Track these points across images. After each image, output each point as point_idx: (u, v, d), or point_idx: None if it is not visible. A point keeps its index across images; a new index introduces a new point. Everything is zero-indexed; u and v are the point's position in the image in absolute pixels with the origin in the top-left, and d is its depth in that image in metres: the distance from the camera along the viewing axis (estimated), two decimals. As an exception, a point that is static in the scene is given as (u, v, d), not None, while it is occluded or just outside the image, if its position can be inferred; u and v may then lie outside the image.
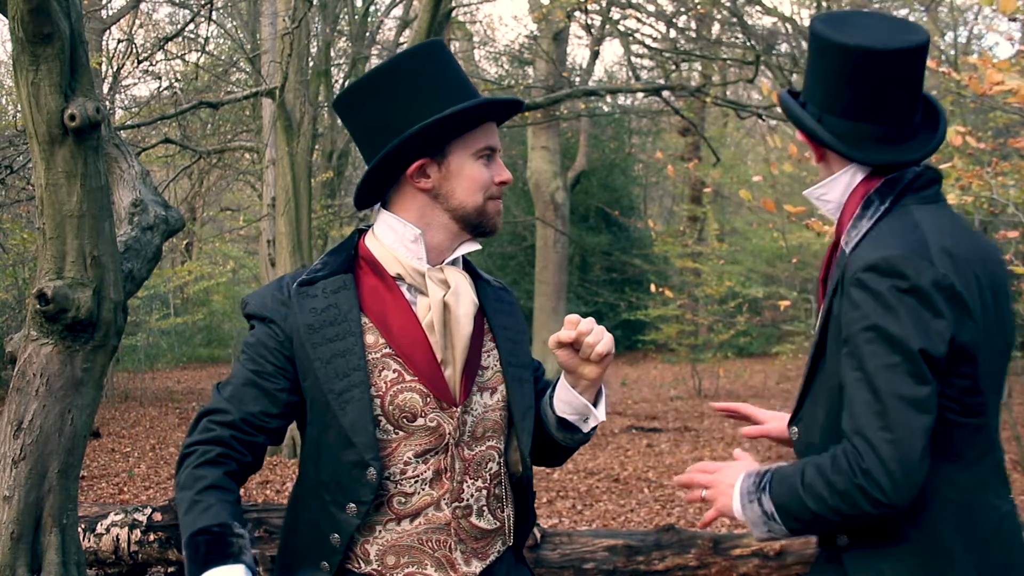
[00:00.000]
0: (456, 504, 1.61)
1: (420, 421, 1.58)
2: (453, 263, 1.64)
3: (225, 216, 18.75)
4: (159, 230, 3.99)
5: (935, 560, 1.47)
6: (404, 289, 1.61)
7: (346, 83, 17.60)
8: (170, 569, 4.55)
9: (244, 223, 15.64)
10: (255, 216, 13.28)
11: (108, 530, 4.50)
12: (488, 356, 1.69)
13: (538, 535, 4.28)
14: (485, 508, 1.64)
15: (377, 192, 1.67)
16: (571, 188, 18.19)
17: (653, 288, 10.73)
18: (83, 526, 4.46)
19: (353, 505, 1.54)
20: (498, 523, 1.66)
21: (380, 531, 1.58)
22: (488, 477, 1.65)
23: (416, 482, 1.58)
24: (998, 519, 1.52)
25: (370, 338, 1.58)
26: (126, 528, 4.48)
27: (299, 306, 1.57)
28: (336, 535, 1.54)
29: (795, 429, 1.68)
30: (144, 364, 15.52)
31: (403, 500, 1.58)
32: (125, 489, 7.51)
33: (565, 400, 1.69)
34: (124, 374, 14.83)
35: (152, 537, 4.44)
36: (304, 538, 1.59)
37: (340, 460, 1.55)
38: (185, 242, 19.04)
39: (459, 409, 1.61)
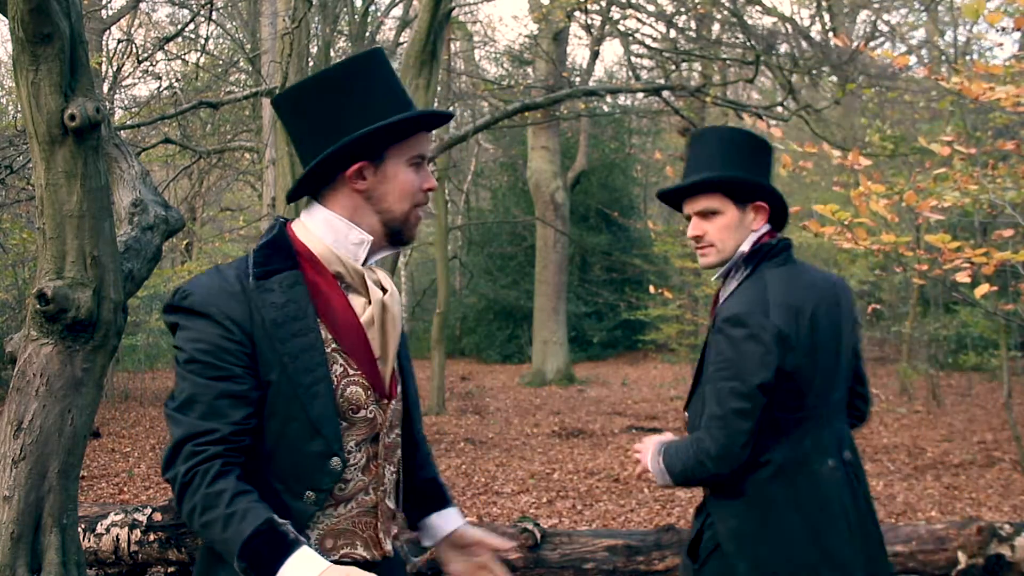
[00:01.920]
0: (380, 488, 1.70)
1: (362, 413, 1.64)
2: (377, 263, 1.73)
3: (225, 216, 18.75)
4: (159, 230, 3.99)
5: (760, 503, 2.19)
6: (342, 283, 1.66)
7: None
8: (170, 569, 4.55)
9: (244, 223, 15.63)
10: (255, 216, 13.28)
11: (108, 530, 4.50)
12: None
13: (538, 535, 4.28)
14: (393, 491, 1.77)
15: (310, 187, 1.69)
16: (571, 188, 18.19)
17: (653, 288, 10.73)
18: (83, 526, 4.47)
19: (312, 493, 1.58)
20: (396, 503, 1.79)
21: (320, 517, 1.62)
22: (396, 462, 1.77)
23: (353, 469, 1.64)
24: (816, 478, 2.18)
25: (322, 334, 1.61)
26: (126, 528, 4.49)
27: (260, 300, 1.56)
28: (291, 522, 1.51)
29: (687, 414, 2.39)
30: (144, 364, 15.52)
31: (343, 487, 1.64)
32: (125, 489, 7.51)
33: (437, 527, 1.90)
34: (124, 374, 14.83)
35: (152, 537, 4.44)
36: None
37: (303, 451, 1.57)
38: (185, 242, 19.04)
39: (391, 401, 1.71)
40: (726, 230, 2.24)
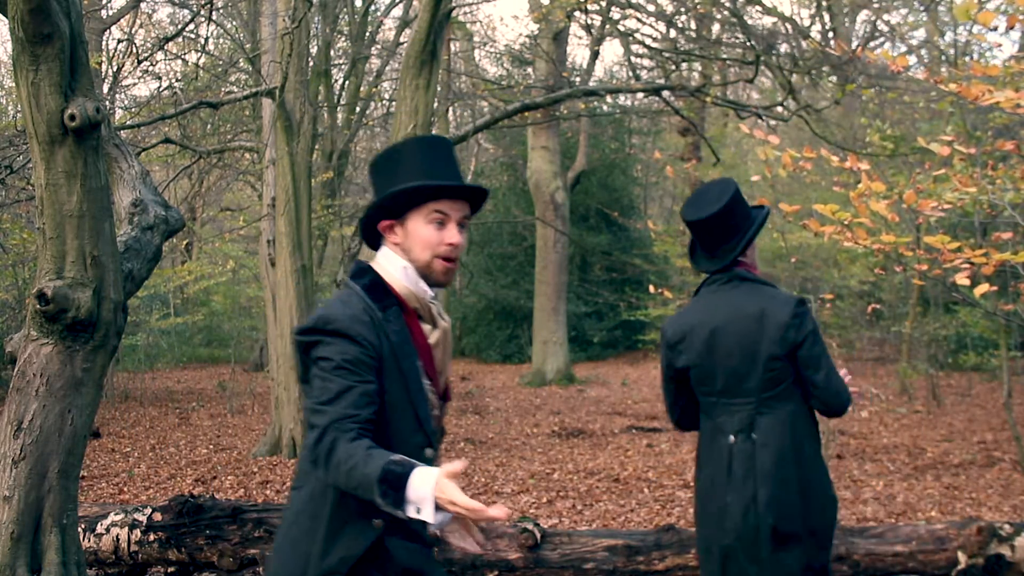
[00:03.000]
0: (439, 464, 2.03)
1: (434, 412, 2.15)
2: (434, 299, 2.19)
3: (225, 216, 18.74)
4: (159, 230, 3.99)
5: (697, 460, 3.03)
6: (423, 319, 2.14)
7: (346, 83, 17.60)
8: (170, 569, 4.55)
9: (244, 223, 15.63)
10: (255, 216, 13.27)
11: (108, 530, 4.50)
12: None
13: (538, 535, 4.28)
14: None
15: (373, 238, 2.19)
16: (571, 188, 18.18)
17: (653, 288, 10.72)
18: (83, 526, 4.47)
19: None
20: None
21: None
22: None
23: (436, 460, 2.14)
24: (719, 447, 2.89)
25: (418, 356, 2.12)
26: (126, 528, 4.49)
27: (386, 329, 2.04)
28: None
29: None
30: (144, 364, 15.52)
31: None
32: (125, 489, 7.51)
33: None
34: (124, 374, 14.83)
35: (152, 537, 4.44)
36: (360, 501, 1.93)
37: (409, 442, 2.03)
38: (185, 242, 19.05)
39: (446, 403, 2.23)
40: None
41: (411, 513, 1.78)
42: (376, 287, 2.09)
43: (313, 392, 1.96)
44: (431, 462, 2.02)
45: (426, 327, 2.13)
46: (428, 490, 1.75)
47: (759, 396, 2.85)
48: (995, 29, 3.32)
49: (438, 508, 1.76)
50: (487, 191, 2.16)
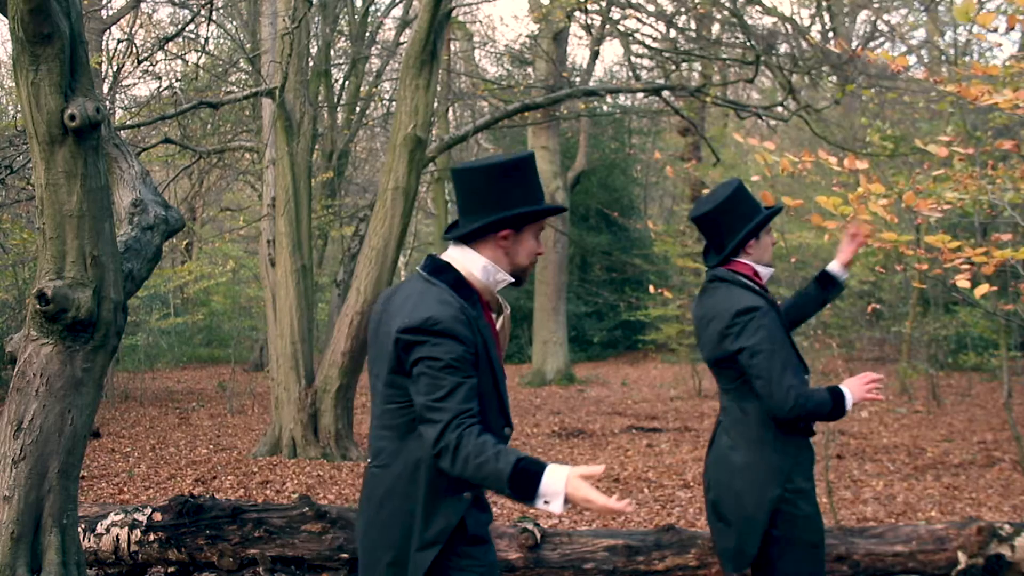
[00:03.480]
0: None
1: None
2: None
3: (225, 216, 18.74)
4: (159, 230, 3.99)
5: None
6: (493, 310, 2.42)
7: (346, 83, 17.61)
8: (170, 569, 4.55)
9: (244, 223, 15.63)
10: (255, 216, 13.27)
11: (108, 530, 4.50)
12: None
13: (538, 535, 4.28)
14: None
15: (469, 236, 2.37)
16: (571, 188, 18.18)
17: (653, 288, 10.72)
18: (83, 526, 4.47)
19: None
20: None
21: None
22: None
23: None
24: (717, 424, 3.15)
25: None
26: (126, 528, 4.49)
27: (478, 327, 2.27)
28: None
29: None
30: (144, 364, 15.52)
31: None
32: (125, 489, 7.51)
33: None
34: (124, 374, 14.83)
35: (152, 537, 4.44)
36: (450, 478, 2.21)
37: (493, 424, 2.29)
38: (185, 242, 19.05)
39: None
40: None
41: (539, 505, 2.05)
42: (459, 284, 2.31)
43: (422, 388, 2.17)
44: (508, 438, 2.35)
45: (492, 315, 2.41)
46: (560, 487, 2.02)
47: (724, 388, 3.10)
48: (995, 30, 3.32)
49: (566, 501, 2.03)
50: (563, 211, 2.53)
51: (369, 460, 2.38)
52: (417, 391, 2.18)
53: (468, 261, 2.35)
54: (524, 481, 2.05)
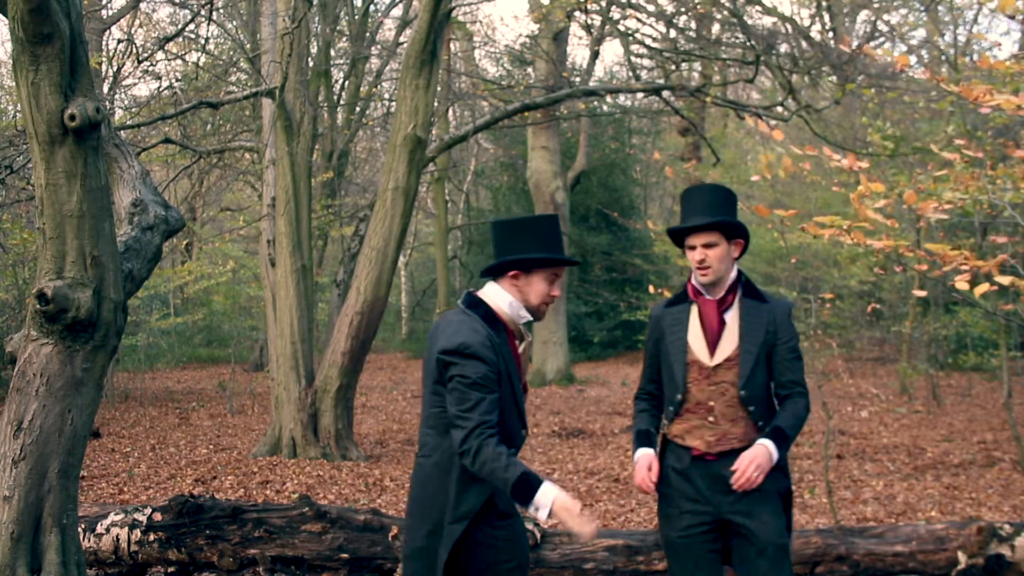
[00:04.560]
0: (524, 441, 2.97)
1: (523, 404, 2.91)
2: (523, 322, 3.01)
3: (225, 216, 18.74)
4: (159, 230, 3.99)
5: None
6: (516, 336, 2.93)
7: (346, 83, 17.61)
8: (170, 569, 4.55)
9: (244, 223, 15.63)
10: (255, 216, 13.28)
11: (108, 530, 4.50)
12: None
13: (538, 535, 4.28)
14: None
15: (496, 272, 2.93)
16: (571, 188, 18.17)
17: (653, 288, 10.71)
18: (83, 526, 4.47)
19: (513, 449, 2.82)
20: None
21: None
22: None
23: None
24: None
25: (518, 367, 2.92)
26: (126, 528, 4.49)
27: (501, 351, 2.80)
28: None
29: (743, 392, 3.06)
30: (144, 364, 15.51)
31: (520, 442, 2.93)
32: (125, 489, 7.51)
33: None
34: (124, 374, 14.82)
35: (152, 537, 4.44)
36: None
37: (511, 427, 2.83)
38: (185, 242, 19.05)
39: (525, 395, 2.96)
40: (719, 258, 3.09)
41: (531, 510, 2.61)
42: (489, 317, 2.86)
43: (453, 400, 2.71)
44: (524, 439, 2.91)
45: (515, 342, 2.93)
46: (548, 501, 2.60)
47: None
48: (1013, 17, 3.30)
49: (550, 514, 2.59)
50: (577, 264, 3.06)
51: (417, 451, 2.94)
52: (450, 402, 2.72)
53: (498, 297, 2.91)
54: (524, 489, 2.61)
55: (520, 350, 2.95)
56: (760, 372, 3.08)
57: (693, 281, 3.17)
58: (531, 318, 2.93)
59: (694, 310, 3.16)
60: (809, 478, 7.67)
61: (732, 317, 3.14)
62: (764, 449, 2.97)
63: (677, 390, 3.14)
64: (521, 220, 2.95)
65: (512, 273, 2.88)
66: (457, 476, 2.78)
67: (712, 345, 3.12)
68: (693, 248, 3.10)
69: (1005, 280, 3.82)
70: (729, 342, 3.11)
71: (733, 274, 3.16)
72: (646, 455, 3.18)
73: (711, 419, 3.10)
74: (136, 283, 3.78)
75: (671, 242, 3.24)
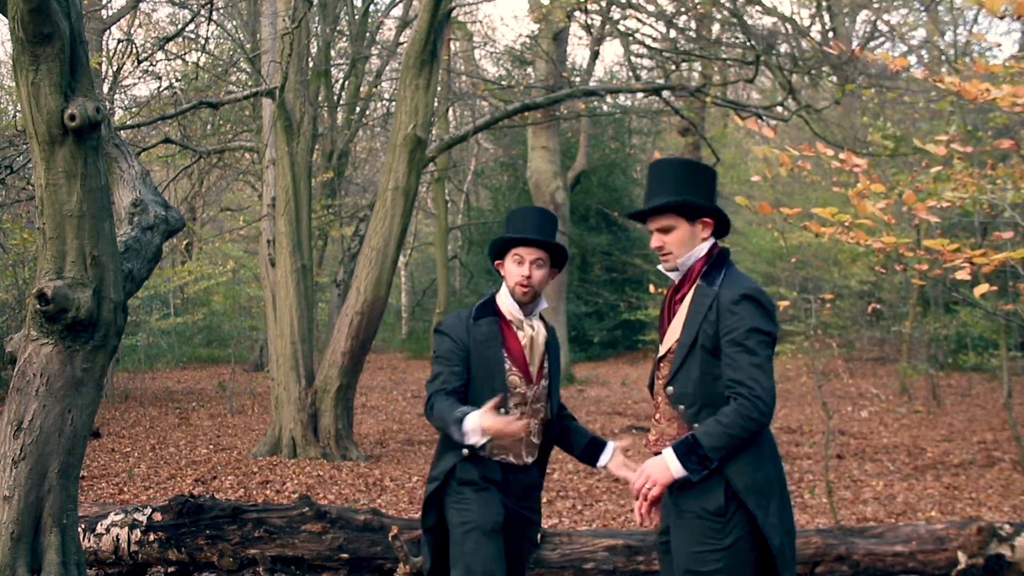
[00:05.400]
0: (526, 429, 3.12)
1: (518, 389, 3.16)
2: (534, 315, 3.24)
3: (225, 216, 18.74)
4: (159, 230, 3.99)
5: (765, 452, 2.68)
6: (515, 327, 3.20)
7: (346, 83, 17.61)
8: (170, 569, 4.55)
9: (244, 223, 15.63)
10: (255, 216, 13.27)
11: (108, 530, 4.50)
12: (547, 362, 3.27)
13: (538, 535, 4.28)
14: (537, 433, 3.22)
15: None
16: (571, 188, 18.17)
17: (653, 288, 10.72)
18: (83, 526, 4.47)
19: None
20: (539, 440, 3.24)
21: (491, 438, 2.99)
22: (540, 419, 3.23)
23: (511, 415, 3.07)
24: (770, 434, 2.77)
25: (502, 350, 3.16)
26: (126, 528, 4.49)
27: (474, 331, 3.15)
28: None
29: (671, 388, 2.77)
30: (144, 364, 15.51)
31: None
32: (125, 489, 7.51)
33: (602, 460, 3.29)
34: (124, 374, 14.82)
35: (152, 537, 4.44)
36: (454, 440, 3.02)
37: (486, 401, 2.95)
38: (185, 242, 19.04)
39: (536, 385, 3.20)
40: (680, 242, 2.83)
41: (473, 440, 2.93)
42: (486, 304, 3.22)
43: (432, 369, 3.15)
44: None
45: (520, 334, 3.18)
46: (475, 424, 2.90)
47: None
48: (1003, 17, 3.30)
49: (483, 433, 2.92)
50: (547, 241, 3.13)
51: None
52: None
53: (502, 290, 3.24)
54: (459, 424, 2.93)
55: (523, 341, 3.17)
56: (694, 367, 2.69)
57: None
58: (518, 309, 3.18)
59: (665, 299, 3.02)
60: (809, 478, 7.67)
61: (683, 305, 2.81)
62: (660, 460, 2.64)
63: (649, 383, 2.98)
64: (510, 213, 3.25)
65: (496, 264, 3.26)
66: (440, 443, 3.21)
67: (662, 337, 2.89)
68: (652, 233, 2.87)
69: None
70: (672, 333, 2.82)
71: (695, 256, 2.82)
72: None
73: (656, 417, 2.86)
74: (136, 283, 3.78)
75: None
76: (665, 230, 2.83)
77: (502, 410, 3.04)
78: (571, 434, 3.30)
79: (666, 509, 2.78)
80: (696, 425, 2.66)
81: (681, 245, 2.82)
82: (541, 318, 3.28)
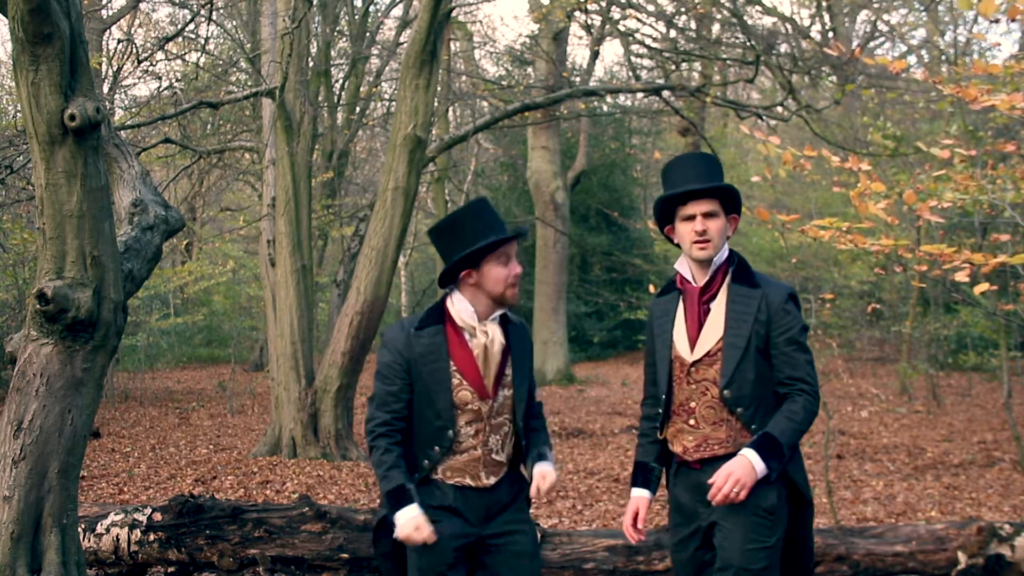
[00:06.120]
0: (485, 447, 2.82)
1: (469, 406, 2.79)
2: (492, 319, 2.83)
3: (225, 216, 18.73)
4: (159, 230, 3.99)
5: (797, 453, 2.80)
6: (467, 335, 2.81)
7: (346, 83, 17.60)
8: (170, 569, 4.55)
9: (244, 223, 15.63)
10: (255, 216, 13.27)
11: (108, 530, 4.50)
12: (508, 369, 2.85)
13: (538, 535, 4.28)
14: (499, 449, 2.85)
15: (449, 281, 2.84)
16: (571, 188, 18.17)
17: (653, 288, 10.73)
18: (83, 526, 4.47)
19: (437, 448, 2.79)
20: (506, 457, 2.87)
21: (444, 460, 2.79)
22: (502, 434, 2.86)
23: (464, 435, 2.80)
24: None
25: (450, 362, 2.79)
26: (126, 528, 4.49)
27: (415, 343, 2.79)
28: (427, 461, 2.79)
29: (727, 392, 2.73)
30: (144, 364, 15.51)
31: (458, 445, 2.80)
32: (125, 489, 7.51)
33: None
34: (124, 374, 14.82)
35: (152, 537, 4.44)
36: (413, 460, 2.78)
37: (432, 425, 2.77)
38: (185, 242, 19.04)
39: (491, 400, 2.81)
40: (719, 232, 2.78)
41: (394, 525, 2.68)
42: (432, 311, 2.86)
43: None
44: (451, 440, 2.77)
45: (473, 342, 2.81)
46: (403, 521, 2.66)
47: None
48: (996, 21, 3.31)
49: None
50: (525, 233, 2.84)
51: None
52: None
53: (456, 299, 2.83)
54: (392, 503, 2.69)
55: (475, 351, 2.78)
56: (749, 368, 2.70)
57: (678, 266, 2.89)
58: (502, 308, 2.81)
59: (682, 300, 2.86)
60: (809, 478, 7.67)
61: (718, 306, 2.77)
62: (745, 461, 2.62)
63: (661, 389, 2.87)
64: (451, 218, 2.80)
65: (463, 274, 2.77)
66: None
67: (693, 339, 2.80)
68: (690, 219, 2.77)
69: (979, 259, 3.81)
70: (711, 335, 2.76)
71: (723, 256, 2.81)
72: (636, 498, 2.92)
73: (691, 422, 2.80)
74: (136, 283, 3.78)
75: (658, 229, 2.93)
76: (710, 215, 2.76)
77: (450, 432, 2.74)
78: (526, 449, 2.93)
79: (685, 510, 2.85)
80: (754, 427, 2.71)
81: (719, 235, 2.78)
82: (506, 317, 2.87)
